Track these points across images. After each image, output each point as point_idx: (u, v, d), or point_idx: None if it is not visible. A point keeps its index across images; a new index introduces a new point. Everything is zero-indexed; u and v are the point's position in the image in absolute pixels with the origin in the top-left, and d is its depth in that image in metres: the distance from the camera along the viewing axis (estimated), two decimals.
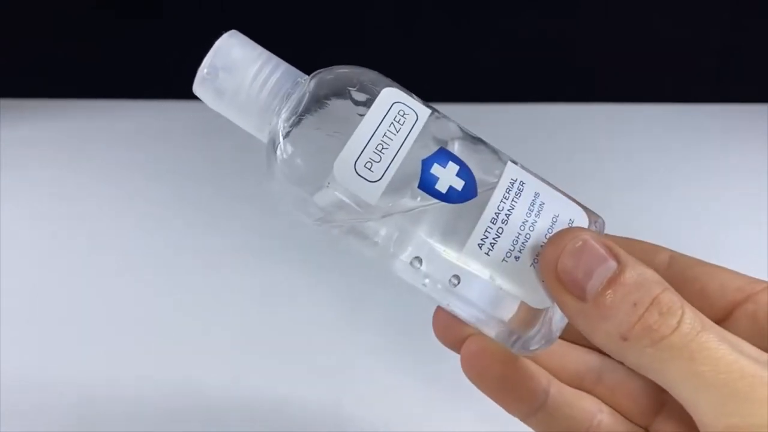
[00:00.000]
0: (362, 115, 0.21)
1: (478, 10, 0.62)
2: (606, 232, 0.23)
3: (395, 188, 0.21)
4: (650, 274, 0.19)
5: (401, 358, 0.40)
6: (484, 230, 0.20)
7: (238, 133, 0.24)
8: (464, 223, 0.21)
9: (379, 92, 0.22)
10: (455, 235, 0.21)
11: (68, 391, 0.38)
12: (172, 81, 0.41)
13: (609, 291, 0.19)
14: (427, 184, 0.21)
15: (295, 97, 0.22)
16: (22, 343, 0.41)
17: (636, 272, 0.19)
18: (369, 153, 0.20)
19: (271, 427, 0.37)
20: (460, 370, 0.24)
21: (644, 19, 0.64)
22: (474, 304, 0.22)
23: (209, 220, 0.51)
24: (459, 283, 0.21)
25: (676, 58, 0.65)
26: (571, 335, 0.23)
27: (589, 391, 0.25)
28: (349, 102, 0.22)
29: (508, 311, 0.21)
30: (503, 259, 0.20)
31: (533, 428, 0.25)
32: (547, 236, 0.21)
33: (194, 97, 0.23)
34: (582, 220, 0.22)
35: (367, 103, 0.21)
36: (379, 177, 0.20)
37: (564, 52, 0.64)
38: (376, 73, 0.23)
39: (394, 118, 0.21)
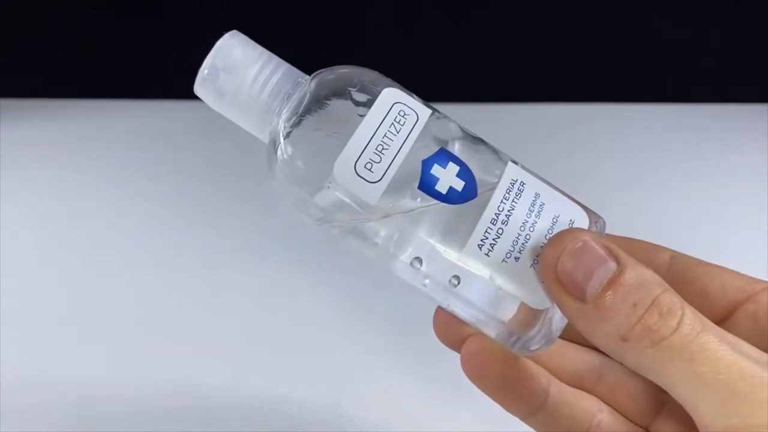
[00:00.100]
0: (362, 116, 0.21)
1: (478, 10, 0.62)
2: (606, 232, 0.23)
3: (395, 189, 0.21)
4: (650, 275, 0.19)
5: (401, 358, 0.40)
6: (484, 231, 0.20)
7: (238, 133, 0.24)
8: (464, 223, 0.21)
9: (379, 92, 0.22)
10: (455, 236, 0.21)
11: (68, 391, 0.38)
12: (172, 81, 0.41)
13: (609, 292, 0.19)
14: (427, 185, 0.21)
15: (295, 98, 0.22)
16: (22, 343, 0.41)
17: (636, 273, 0.19)
18: (369, 154, 0.20)
19: (271, 427, 0.37)
20: (460, 370, 0.24)
21: (644, 19, 0.64)
22: (474, 304, 0.22)
23: (209, 220, 0.51)
24: (459, 283, 0.21)
25: (676, 58, 0.65)
26: (571, 334, 0.23)
27: (589, 391, 0.25)
28: (349, 102, 0.22)
29: (508, 312, 0.21)
30: (503, 260, 0.20)
31: (533, 428, 0.25)
32: (548, 237, 0.21)
33: (194, 97, 0.23)
34: (582, 221, 0.22)
35: (368, 104, 0.21)
36: (379, 178, 0.20)
37: (564, 52, 0.64)
38: (376, 73, 0.23)
39: (394, 119, 0.21)
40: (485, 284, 0.21)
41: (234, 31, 0.23)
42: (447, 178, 0.21)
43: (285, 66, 0.23)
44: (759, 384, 0.17)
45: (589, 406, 0.25)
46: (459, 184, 0.21)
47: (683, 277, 0.23)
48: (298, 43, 0.43)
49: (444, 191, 0.21)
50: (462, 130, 0.23)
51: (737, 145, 0.60)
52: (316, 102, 0.22)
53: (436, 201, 0.21)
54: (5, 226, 0.49)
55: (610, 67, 0.65)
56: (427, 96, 0.23)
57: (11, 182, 0.53)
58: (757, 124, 0.62)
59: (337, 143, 0.21)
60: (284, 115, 0.22)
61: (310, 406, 0.38)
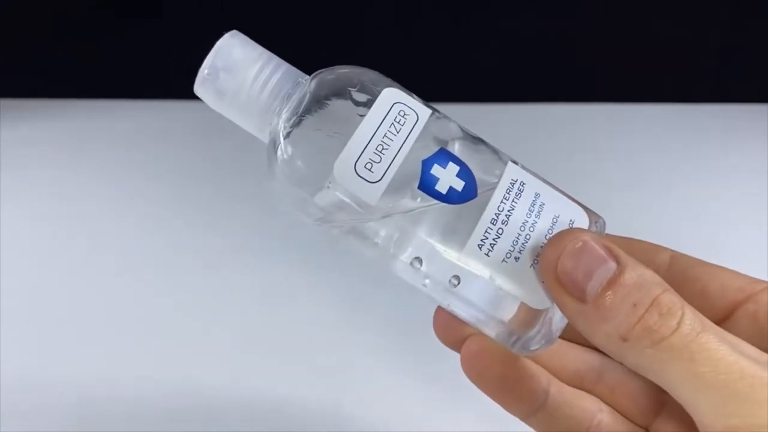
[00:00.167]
0: (362, 116, 0.21)
1: (478, 10, 0.62)
2: (606, 232, 0.23)
3: (395, 189, 0.21)
4: (650, 275, 0.19)
5: (401, 358, 0.40)
6: (484, 231, 0.20)
7: (238, 133, 0.24)
8: (464, 223, 0.21)
9: (379, 92, 0.22)
10: (455, 236, 0.21)
11: (68, 391, 0.38)
12: (172, 81, 0.41)
13: (609, 292, 0.19)
14: (427, 185, 0.21)
15: (295, 98, 0.22)
16: (22, 343, 0.41)
17: (636, 273, 0.19)
18: (369, 154, 0.20)
19: (271, 427, 0.37)
20: (460, 370, 0.24)
21: (644, 19, 0.64)
22: (474, 304, 0.22)
23: (209, 220, 0.51)
24: (459, 283, 0.21)
25: (676, 58, 0.65)
26: (571, 334, 0.23)
27: (589, 391, 0.25)
28: (349, 102, 0.22)
29: (508, 312, 0.21)
30: (503, 260, 0.20)
31: (533, 428, 0.25)
32: (547, 237, 0.21)
33: (194, 97, 0.23)
34: (582, 221, 0.22)
35: (368, 104, 0.21)
36: (379, 178, 0.20)
37: (564, 52, 0.64)
38: (376, 73, 0.23)
39: (394, 119, 0.21)
40: (485, 284, 0.21)
41: (234, 31, 0.23)
42: (447, 178, 0.21)
43: (285, 66, 0.23)
44: (759, 384, 0.17)
45: (589, 406, 0.25)
46: (459, 184, 0.21)
47: (683, 277, 0.23)
48: (298, 43, 0.43)
49: (444, 191, 0.21)
50: (462, 130, 0.23)
51: (737, 145, 0.60)
52: (316, 102, 0.22)
53: (436, 201, 0.21)
54: (5, 226, 0.49)
55: (610, 67, 0.65)
56: (427, 96, 0.23)
57: (11, 182, 0.53)
58: (757, 124, 0.62)
59: (337, 143, 0.21)
60: (284, 115, 0.22)
61: (310, 406, 0.38)
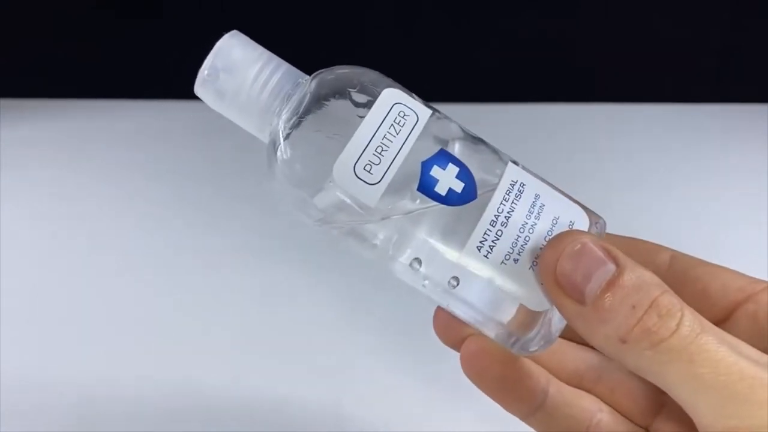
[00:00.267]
0: (362, 117, 0.21)
1: (478, 10, 0.62)
2: (606, 232, 0.23)
3: (395, 190, 0.21)
4: (649, 276, 0.19)
5: (401, 358, 0.40)
6: (483, 232, 0.20)
7: (238, 133, 0.24)
8: (464, 225, 0.21)
9: (379, 93, 0.22)
10: (455, 237, 0.21)
11: (68, 391, 0.38)
12: (172, 81, 0.41)
13: (608, 294, 0.19)
14: (426, 187, 0.21)
15: (295, 98, 0.22)
16: (22, 343, 0.41)
17: (635, 275, 0.19)
18: (368, 155, 0.20)
19: (271, 427, 0.37)
20: (460, 370, 0.24)
21: (644, 19, 0.64)
22: (473, 305, 0.22)
23: (209, 220, 0.51)
24: (458, 284, 0.21)
25: (676, 58, 0.65)
26: (571, 333, 0.23)
27: (588, 390, 0.25)
28: (349, 103, 0.22)
29: (507, 313, 0.21)
30: (502, 261, 0.20)
31: (533, 428, 0.25)
32: (547, 238, 0.21)
33: (194, 97, 0.23)
34: (583, 222, 0.22)
35: (368, 105, 0.21)
36: (379, 179, 0.20)
37: (564, 52, 0.64)
38: (377, 73, 0.23)
39: (394, 120, 0.21)
40: (484, 285, 0.21)
41: (234, 32, 0.23)
42: (446, 179, 0.21)
43: (285, 66, 0.23)
44: (758, 385, 0.17)
45: (588, 405, 0.25)
46: (458, 186, 0.21)
47: (684, 277, 0.23)
48: (298, 43, 0.43)
49: (443, 193, 0.21)
50: (462, 130, 0.23)
51: (737, 145, 0.60)
52: (316, 102, 0.22)
53: (435, 203, 0.21)
54: (5, 226, 0.49)
55: (610, 67, 0.65)
56: (427, 96, 0.23)
57: (11, 182, 0.53)
58: (757, 124, 0.62)
59: (336, 144, 0.21)
60: (284, 116, 0.22)
61: (310, 406, 0.38)
